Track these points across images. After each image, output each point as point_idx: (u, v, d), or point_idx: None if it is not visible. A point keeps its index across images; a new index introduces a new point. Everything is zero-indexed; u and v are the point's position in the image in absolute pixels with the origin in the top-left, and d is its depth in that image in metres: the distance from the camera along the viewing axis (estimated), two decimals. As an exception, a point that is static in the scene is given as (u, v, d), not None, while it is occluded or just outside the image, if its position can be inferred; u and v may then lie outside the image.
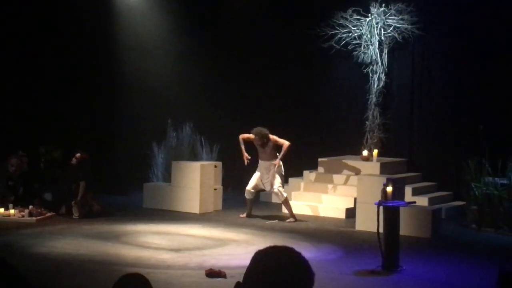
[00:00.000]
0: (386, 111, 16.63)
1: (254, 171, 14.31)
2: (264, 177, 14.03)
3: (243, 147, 14.10)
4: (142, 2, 17.54)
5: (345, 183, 15.32)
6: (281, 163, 13.97)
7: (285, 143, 13.85)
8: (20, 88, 15.99)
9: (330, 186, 15.36)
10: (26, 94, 16.10)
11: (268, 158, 13.93)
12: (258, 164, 14.12)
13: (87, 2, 16.44)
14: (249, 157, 14.05)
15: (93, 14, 16.56)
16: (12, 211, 13.36)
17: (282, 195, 13.95)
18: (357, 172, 15.23)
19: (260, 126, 13.97)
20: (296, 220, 13.89)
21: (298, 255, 2.64)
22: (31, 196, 14.06)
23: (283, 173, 14.05)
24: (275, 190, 13.99)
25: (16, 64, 15.84)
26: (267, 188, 14.13)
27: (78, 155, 13.93)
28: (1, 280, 2.88)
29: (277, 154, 13.92)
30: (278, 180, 13.91)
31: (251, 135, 14.00)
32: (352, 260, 10.77)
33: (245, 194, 14.23)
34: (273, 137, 13.93)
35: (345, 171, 15.59)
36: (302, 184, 15.72)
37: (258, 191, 14.57)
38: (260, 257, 2.62)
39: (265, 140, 13.84)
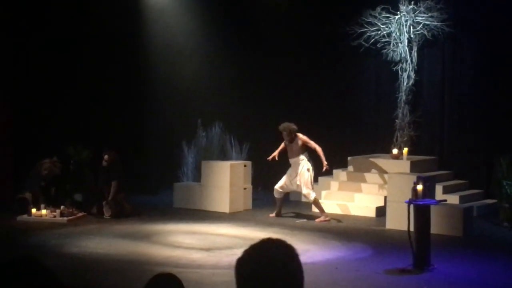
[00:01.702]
0: (416, 109, 16.54)
1: (284, 171, 14.32)
2: (292, 175, 14.03)
3: (278, 150, 14.14)
4: (170, 4, 17.59)
5: (375, 181, 15.26)
6: (309, 164, 13.96)
7: (317, 147, 13.85)
8: (53, 90, 16.09)
9: (359, 184, 15.31)
10: (59, 97, 16.20)
11: (294, 155, 13.95)
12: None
13: (117, 6, 16.51)
14: (276, 159, 14.07)
15: (123, 17, 16.63)
16: (44, 211, 13.48)
17: (310, 198, 13.96)
18: (387, 170, 15.16)
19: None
20: (329, 218, 13.87)
21: (289, 246, 2.64)
22: (62, 197, 14.18)
23: (311, 173, 14.00)
24: (304, 192, 14.00)
25: (49, 66, 15.95)
26: (294, 187, 14.11)
27: (106, 156, 14.01)
28: (33, 279, 2.90)
29: (302, 153, 13.91)
30: (306, 182, 13.87)
31: (281, 146, 14.07)
32: (383, 259, 10.73)
33: (274, 193, 14.25)
34: (303, 137, 13.92)
35: (375, 170, 15.53)
36: (332, 183, 15.68)
37: (287, 191, 14.55)
38: (252, 251, 2.62)
39: (293, 136, 13.86)
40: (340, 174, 15.82)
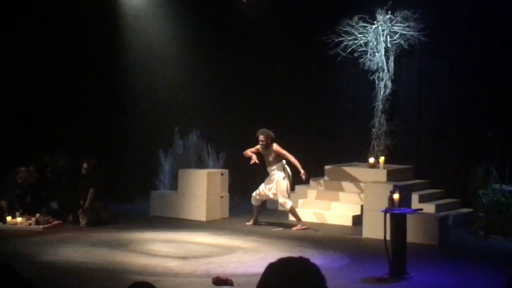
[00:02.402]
0: (393, 118, 16.61)
1: (260, 178, 14.33)
2: (269, 184, 14.04)
3: (250, 153, 14.12)
4: (147, 11, 17.54)
5: (352, 190, 15.30)
6: (287, 172, 13.97)
7: (291, 158, 13.87)
8: (30, 98, 16.02)
9: (336, 193, 15.34)
10: (37, 104, 16.13)
11: (270, 163, 13.97)
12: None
13: (94, 13, 16.46)
14: (257, 162, 14.06)
15: (100, 24, 16.60)
16: (19, 219, 13.38)
17: (286, 206, 13.98)
18: (363, 179, 15.20)
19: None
20: (305, 226, 13.88)
21: (310, 264, 2.64)
22: (38, 205, 14.08)
23: (288, 181, 14.01)
24: (280, 201, 14.02)
25: (25, 73, 15.87)
26: (271, 195, 14.11)
27: (85, 165, 13.96)
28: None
29: (278, 161, 13.91)
30: (283, 190, 13.89)
31: (256, 147, 14.05)
32: (359, 268, 10.76)
33: (251, 200, 14.25)
34: (277, 148, 13.92)
35: (352, 179, 15.57)
36: (309, 192, 15.70)
37: (264, 200, 14.55)
38: (273, 269, 2.63)
39: (269, 142, 13.87)
40: (317, 183, 15.84)
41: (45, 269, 10.19)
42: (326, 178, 15.92)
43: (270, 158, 13.96)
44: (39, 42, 16.11)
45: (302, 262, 2.64)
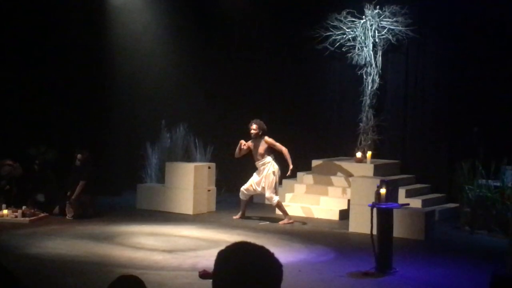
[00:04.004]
0: (380, 113, 16.64)
1: (248, 172, 14.33)
2: (258, 178, 14.04)
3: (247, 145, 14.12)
4: (134, 3, 17.46)
5: (339, 185, 15.32)
6: (276, 165, 13.96)
7: (283, 148, 13.88)
8: (14, 90, 15.93)
9: (323, 187, 15.36)
10: (21, 97, 16.04)
11: (259, 157, 13.95)
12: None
13: (80, 5, 16.39)
14: (245, 144, 14.03)
15: (85, 14, 16.52)
16: (5, 211, 13.34)
17: (273, 201, 13.98)
18: (350, 174, 15.24)
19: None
20: (292, 220, 13.89)
21: (265, 250, 2.62)
22: (24, 197, 14.03)
23: (277, 176, 14.01)
24: (267, 195, 14.01)
25: (8, 65, 15.78)
26: (259, 189, 14.11)
27: (79, 156, 13.93)
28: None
29: (267, 155, 13.91)
30: (270, 185, 13.88)
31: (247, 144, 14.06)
32: (345, 262, 10.77)
33: (240, 194, 14.25)
34: (269, 139, 13.94)
35: (339, 173, 15.60)
36: (296, 186, 15.72)
37: (252, 194, 14.54)
38: (226, 255, 2.60)
39: (260, 133, 13.86)
40: (304, 177, 15.86)
41: (31, 261, 10.15)
42: (313, 172, 15.93)
43: (261, 151, 13.93)
44: (22, 34, 16.01)
45: (256, 249, 2.61)
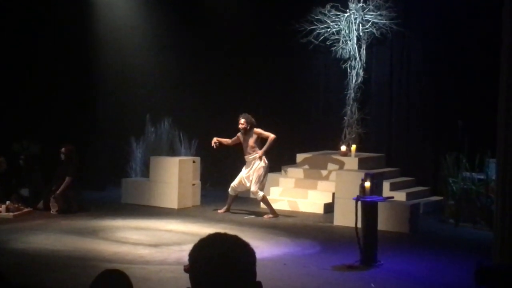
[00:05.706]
0: (365, 106, 16.68)
1: (234, 167, 14.32)
2: (245, 172, 14.01)
3: (227, 141, 14.10)
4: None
5: (324, 178, 15.34)
6: (266, 161, 13.93)
7: (271, 135, 13.88)
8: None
9: (308, 181, 15.38)
10: (4, 91, 15.97)
11: (249, 151, 13.93)
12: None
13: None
14: (217, 143, 14.02)
15: (71, 10, 16.44)
16: (-11, 206, 13.28)
17: (258, 196, 13.96)
18: (335, 167, 15.27)
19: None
20: (277, 215, 13.90)
21: (239, 239, 2.63)
22: (8, 192, 13.97)
23: (266, 172, 13.99)
24: (252, 189, 13.99)
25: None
26: (248, 184, 14.07)
27: (63, 149, 13.89)
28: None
29: (258, 149, 13.90)
30: (258, 179, 13.87)
31: (233, 139, 14.05)
32: (330, 255, 10.80)
33: (229, 190, 14.19)
34: (258, 129, 13.94)
35: (324, 167, 15.62)
36: (281, 180, 15.73)
37: (242, 190, 14.46)
38: (200, 246, 2.62)
39: (248, 127, 13.85)
40: (289, 171, 15.88)
41: (15, 256, 10.12)
42: (298, 166, 15.95)
43: (251, 143, 13.89)
44: (6, 28, 15.92)
45: (229, 238, 2.63)
